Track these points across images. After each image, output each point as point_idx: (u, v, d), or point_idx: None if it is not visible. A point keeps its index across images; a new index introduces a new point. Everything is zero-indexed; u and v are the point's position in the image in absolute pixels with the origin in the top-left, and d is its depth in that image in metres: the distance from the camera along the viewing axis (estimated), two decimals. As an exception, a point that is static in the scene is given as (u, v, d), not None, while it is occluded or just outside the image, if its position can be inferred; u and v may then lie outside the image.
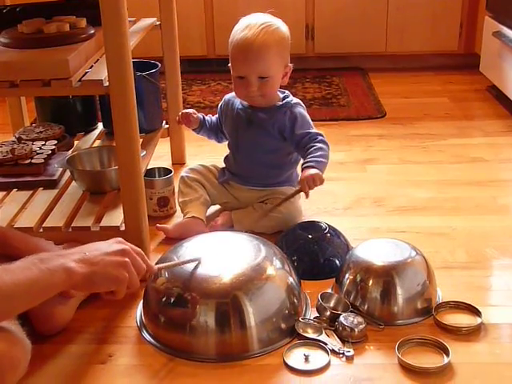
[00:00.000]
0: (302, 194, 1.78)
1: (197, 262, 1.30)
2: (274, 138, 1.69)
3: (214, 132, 1.84)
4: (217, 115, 1.83)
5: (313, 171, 1.55)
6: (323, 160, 1.59)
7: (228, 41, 1.67)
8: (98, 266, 1.11)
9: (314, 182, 1.54)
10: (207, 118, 1.83)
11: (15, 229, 1.51)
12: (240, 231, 1.61)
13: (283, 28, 1.65)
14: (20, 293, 1.01)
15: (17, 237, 1.36)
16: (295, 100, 1.72)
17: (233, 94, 1.76)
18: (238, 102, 1.75)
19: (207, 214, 1.75)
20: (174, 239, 1.61)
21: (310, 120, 1.70)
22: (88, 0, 1.60)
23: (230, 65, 1.68)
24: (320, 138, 1.63)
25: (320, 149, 1.60)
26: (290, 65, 1.68)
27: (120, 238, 1.21)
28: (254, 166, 1.74)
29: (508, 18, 2.57)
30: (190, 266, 1.29)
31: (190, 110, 1.80)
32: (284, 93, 1.73)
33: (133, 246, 1.19)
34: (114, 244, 1.17)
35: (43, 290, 1.05)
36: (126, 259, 1.14)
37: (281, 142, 1.69)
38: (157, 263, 1.32)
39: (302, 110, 1.70)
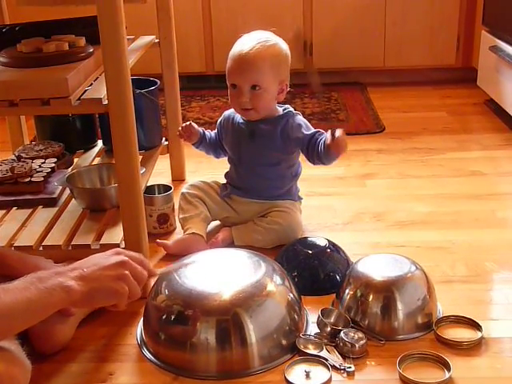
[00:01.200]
0: (303, 207, 1.79)
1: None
2: (275, 149, 1.70)
3: (213, 147, 1.85)
4: (215, 131, 1.84)
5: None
6: None
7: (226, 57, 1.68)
8: (96, 281, 1.11)
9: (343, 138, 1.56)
10: (207, 132, 1.84)
11: (15, 247, 1.51)
12: (240, 247, 1.61)
13: (282, 45, 1.67)
14: (19, 312, 1.01)
15: (15, 257, 1.36)
16: (295, 111, 1.74)
17: (233, 109, 1.78)
18: (238, 117, 1.76)
19: (208, 230, 1.76)
20: (174, 256, 1.61)
21: None
22: (87, 19, 1.62)
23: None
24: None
25: None
26: (287, 83, 1.68)
27: (118, 249, 1.21)
28: (255, 178, 1.75)
29: (504, 32, 2.58)
30: (190, 284, 1.29)
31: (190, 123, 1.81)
32: (283, 106, 1.75)
33: (132, 254, 1.19)
34: (112, 256, 1.17)
35: (42, 310, 1.05)
36: (125, 272, 1.14)
37: (282, 153, 1.71)
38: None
39: (302, 117, 1.73)
